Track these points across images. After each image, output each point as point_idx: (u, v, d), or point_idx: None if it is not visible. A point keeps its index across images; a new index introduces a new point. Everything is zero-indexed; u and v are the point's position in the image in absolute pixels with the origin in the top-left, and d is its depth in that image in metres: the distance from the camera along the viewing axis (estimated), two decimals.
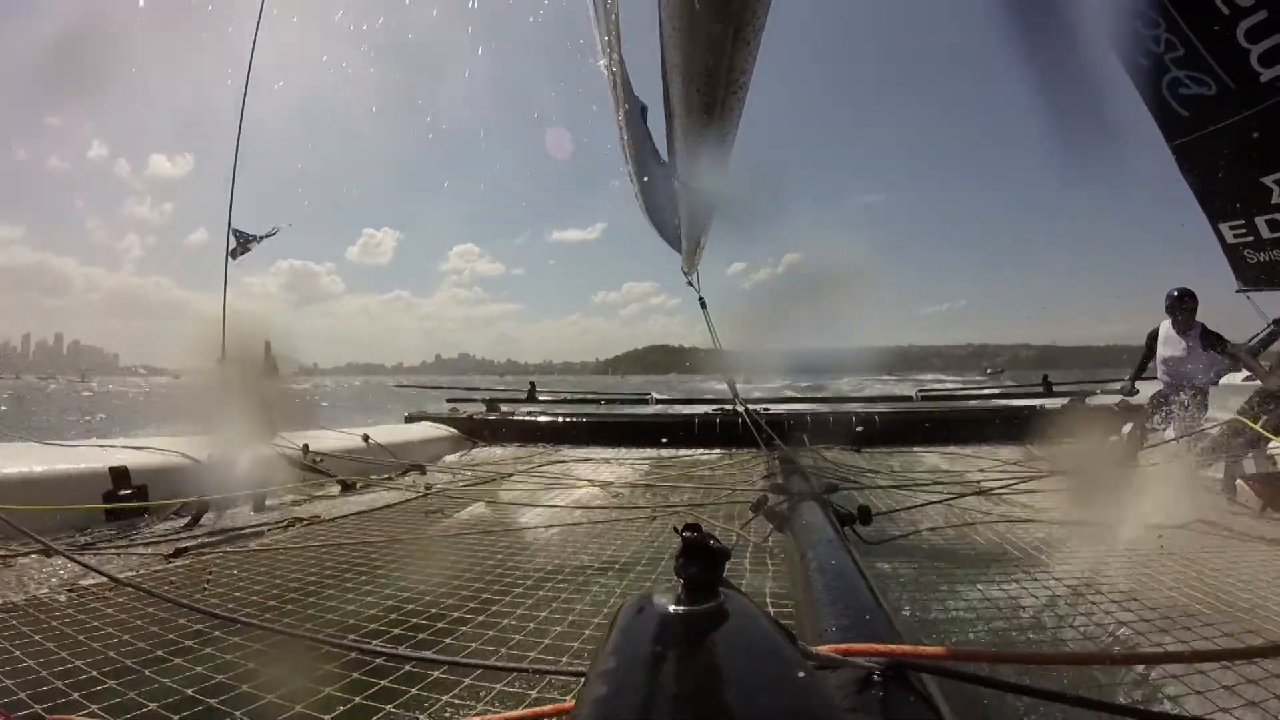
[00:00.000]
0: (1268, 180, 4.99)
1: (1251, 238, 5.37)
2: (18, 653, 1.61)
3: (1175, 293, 5.02)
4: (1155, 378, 4.94)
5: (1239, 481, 3.57)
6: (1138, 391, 5.20)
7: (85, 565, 2.16)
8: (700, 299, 5.28)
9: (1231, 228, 5.51)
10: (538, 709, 1.02)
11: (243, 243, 6.45)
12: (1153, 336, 5.13)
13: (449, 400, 8.23)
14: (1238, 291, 5.93)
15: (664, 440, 6.48)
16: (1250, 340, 5.71)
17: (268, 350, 4.30)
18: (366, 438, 5.32)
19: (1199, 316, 4.77)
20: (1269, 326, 5.55)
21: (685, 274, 5.25)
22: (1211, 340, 4.85)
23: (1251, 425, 3.86)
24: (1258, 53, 4.56)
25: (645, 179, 3.22)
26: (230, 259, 6.29)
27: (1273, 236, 5.21)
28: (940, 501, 3.12)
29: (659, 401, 8.56)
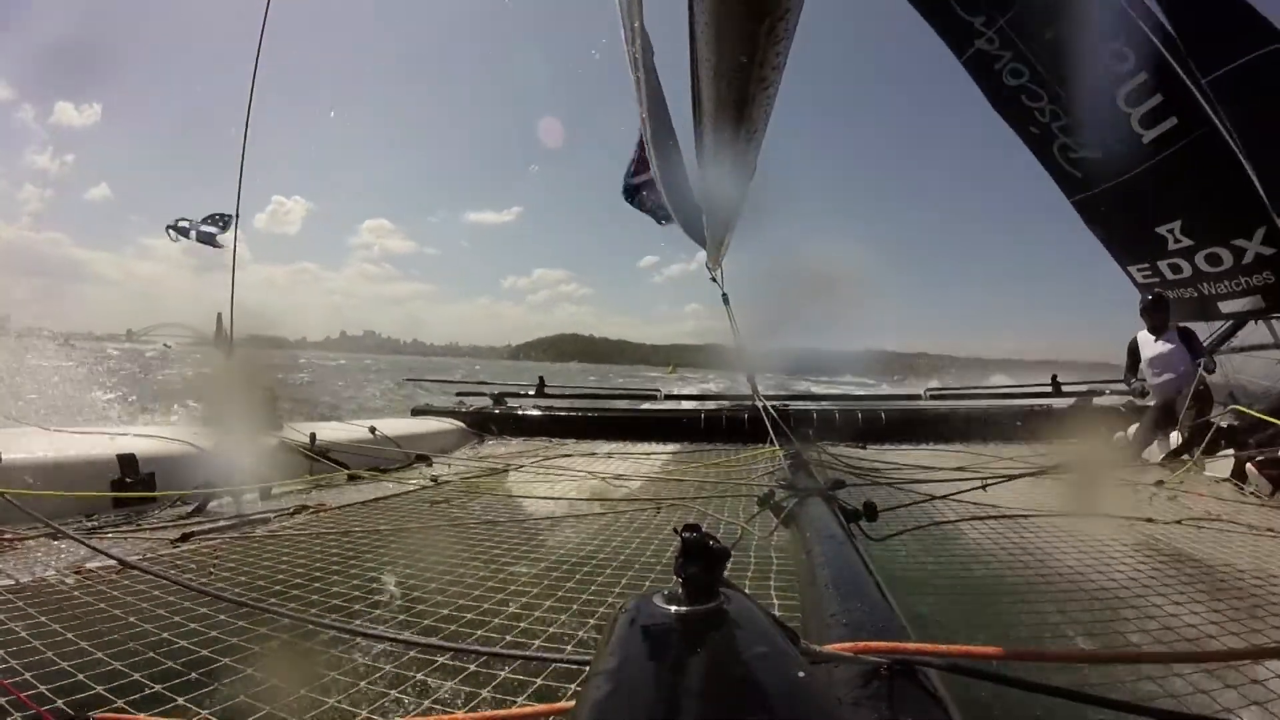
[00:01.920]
0: (1161, 230, 5.34)
1: (1158, 279, 5.76)
2: (24, 634, 1.62)
3: (1149, 297, 5.12)
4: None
5: (1248, 466, 3.56)
6: (1148, 392, 5.23)
7: (93, 548, 2.17)
8: (724, 295, 5.34)
9: (1139, 270, 5.89)
10: (538, 706, 1.02)
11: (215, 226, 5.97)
12: (1133, 347, 5.23)
13: (457, 395, 8.27)
14: None
15: (671, 435, 6.49)
16: (1209, 338, 5.92)
17: (219, 324, 4.27)
18: (373, 429, 5.35)
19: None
20: (1228, 322, 5.64)
21: (710, 270, 5.29)
22: (1186, 335, 4.94)
23: (1250, 412, 3.87)
24: (1137, 116, 4.89)
25: (670, 175, 3.22)
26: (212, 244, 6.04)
27: (1176, 278, 5.59)
28: (946, 498, 3.10)
29: (668, 397, 8.57)
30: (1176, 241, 5.34)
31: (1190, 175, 4.88)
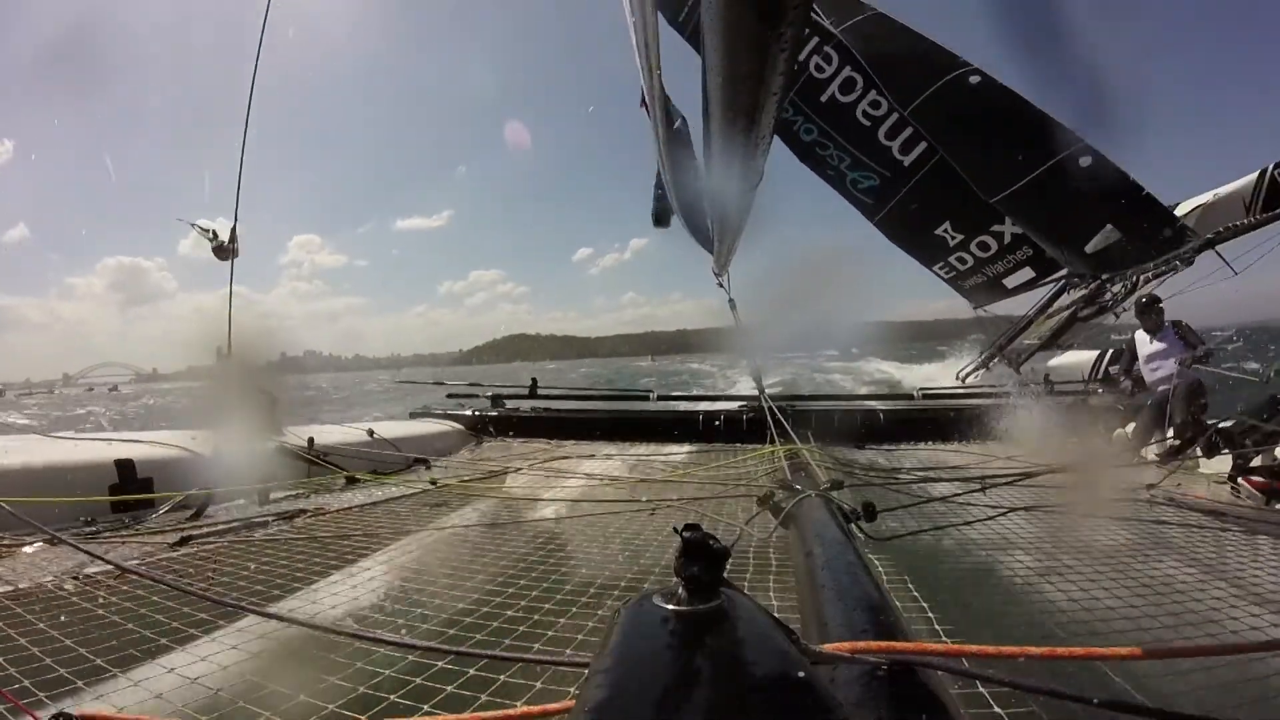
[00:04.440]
0: (939, 231, 6.70)
1: (954, 272, 7.02)
2: (23, 641, 1.62)
3: (1143, 299, 5.14)
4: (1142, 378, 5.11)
5: (1240, 480, 3.58)
6: (1137, 392, 5.26)
7: (90, 554, 2.16)
8: (730, 300, 5.46)
9: (939, 268, 7.10)
10: (538, 706, 1.02)
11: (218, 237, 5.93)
12: (1131, 345, 5.26)
13: (449, 395, 8.25)
14: (975, 309, 7.55)
15: (670, 435, 6.48)
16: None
17: (219, 357, 4.26)
18: (371, 432, 5.33)
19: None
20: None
21: (716, 275, 5.34)
22: (1183, 332, 4.95)
23: (1255, 422, 3.88)
24: (896, 146, 6.27)
25: (679, 182, 3.26)
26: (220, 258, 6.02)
27: (965, 268, 6.89)
28: (944, 498, 3.10)
29: (661, 398, 8.56)
30: (952, 238, 6.70)
31: (944, 183, 6.15)
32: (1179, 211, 5.76)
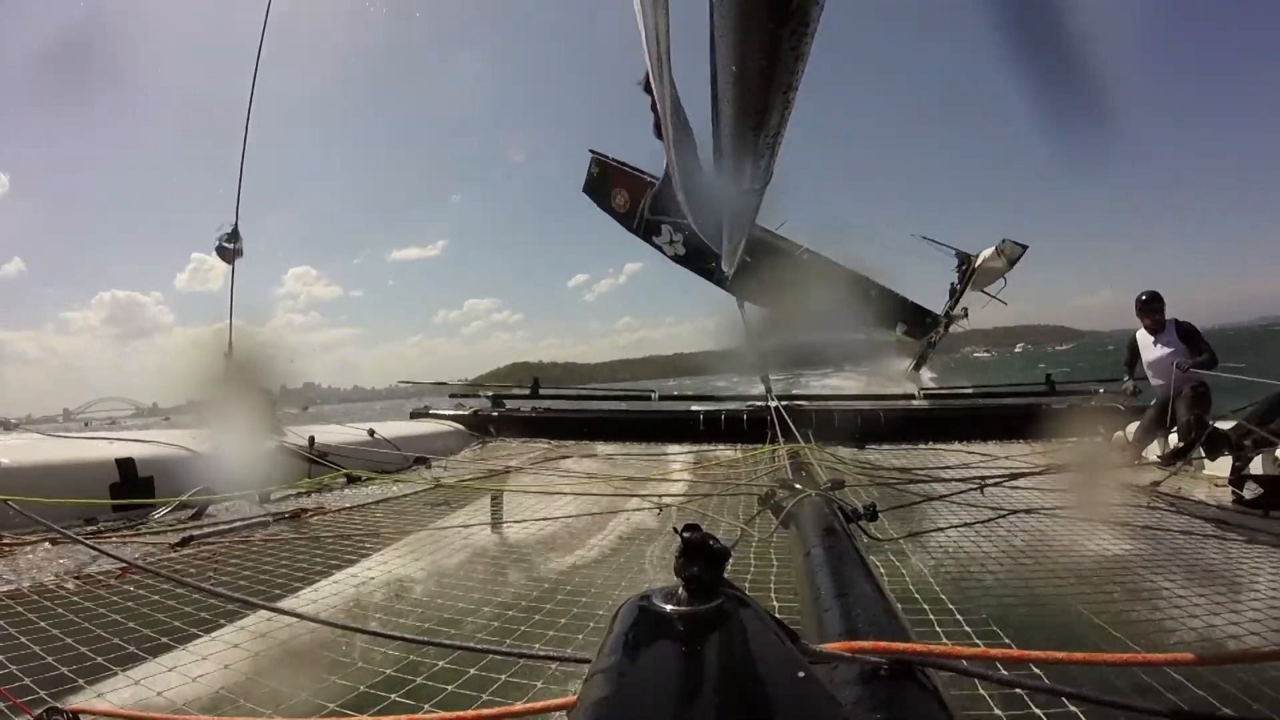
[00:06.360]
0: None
1: (895, 338, 9.25)
2: (24, 639, 1.62)
3: (1144, 296, 5.06)
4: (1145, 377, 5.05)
5: (1241, 481, 3.56)
6: (1140, 391, 5.22)
7: (97, 549, 2.17)
8: (739, 301, 5.56)
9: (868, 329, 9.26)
10: (541, 703, 1.02)
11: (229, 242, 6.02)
12: (1133, 344, 5.17)
13: (451, 395, 8.25)
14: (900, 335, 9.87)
15: (671, 435, 6.47)
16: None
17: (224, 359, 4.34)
18: (372, 432, 5.33)
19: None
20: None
21: (726, 275, 5.39)
22: (1187, 333, 4.85)
23: (1257, 430, 3.86)
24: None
25: (689, 180, 3.26)
26: (226, 259, 6.07)
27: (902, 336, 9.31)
28: (946, 498, 3.10)
29: (663, 398, 8.56)
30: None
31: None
32: (980, 260, 8.71)
